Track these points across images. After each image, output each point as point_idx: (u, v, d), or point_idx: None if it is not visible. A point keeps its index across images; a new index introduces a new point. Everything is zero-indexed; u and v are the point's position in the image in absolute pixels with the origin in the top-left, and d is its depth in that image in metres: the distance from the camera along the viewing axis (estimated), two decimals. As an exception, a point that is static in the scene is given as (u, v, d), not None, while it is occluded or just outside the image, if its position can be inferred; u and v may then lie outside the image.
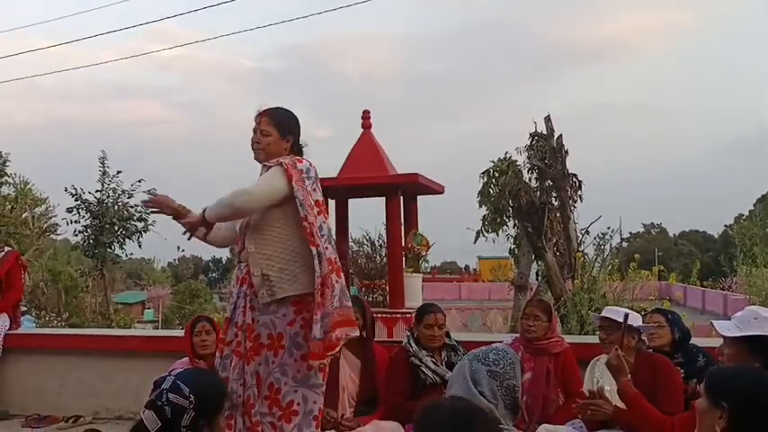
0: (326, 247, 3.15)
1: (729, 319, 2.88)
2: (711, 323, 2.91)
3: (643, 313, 4.47)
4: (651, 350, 3.82)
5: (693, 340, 4.20)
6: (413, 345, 4.22)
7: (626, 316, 3.51)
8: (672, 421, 2.98)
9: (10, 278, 6.08)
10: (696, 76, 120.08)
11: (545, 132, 10.17)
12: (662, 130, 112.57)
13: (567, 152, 9.96)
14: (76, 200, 13.98)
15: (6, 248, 6.45)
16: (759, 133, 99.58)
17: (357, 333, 3.24)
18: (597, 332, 3.90)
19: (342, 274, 3.23)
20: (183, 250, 33.02)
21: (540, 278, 10.40)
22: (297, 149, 3.42)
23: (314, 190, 3.25)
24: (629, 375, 3.28)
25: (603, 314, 3.73)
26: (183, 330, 4.90)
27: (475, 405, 2.01)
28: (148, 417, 2.25)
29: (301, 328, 3.18)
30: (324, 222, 3.23)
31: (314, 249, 3.12)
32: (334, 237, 3.35)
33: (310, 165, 3.34)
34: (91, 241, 14.22)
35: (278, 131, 3.38)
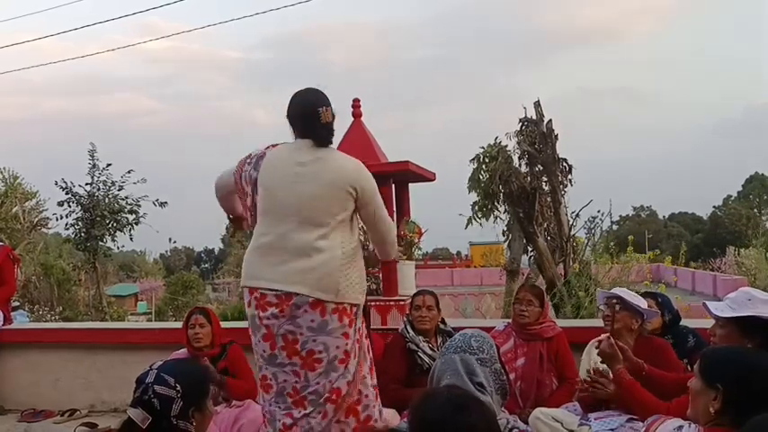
0: None
1: (721, 300, 2.91)
2: (704, 304, 2.93)
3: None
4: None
5: (684, 321, 4.24)
6: (409, 330, 4.25)
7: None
8: (668, 406, 3.01)
9: (2, 274, 6.06)
10: (682, 59, 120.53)
11: (535, 118, 10.17)
12: (649, 113, 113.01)
13: (556, 137, 9.95)
14: (67, 193, 13.88)
15: (-2, 243, 6.43)
16: (746, 114, 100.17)
17: None
18: (598, 314, 3.91)
19: None
20: (174, 242, 32.97)
21: (531, 263, 10.43)
22: (297, 129, 3.24)
23: None
24: (623, 363, 3.30)
25: (618, 293, 3.72)
26: (177, 322, 4.90)
27: (471, 393, 2.03)
28: (137, 414, 2.27)
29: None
30: None
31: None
32: None
33: (261, 150, 3.25)
34: (82, 234, 14.14)
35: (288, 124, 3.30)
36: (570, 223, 9.72)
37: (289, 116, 3.28)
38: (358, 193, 3.18)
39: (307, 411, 3.06)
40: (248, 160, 3.20)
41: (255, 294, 3.11)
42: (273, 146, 3.24)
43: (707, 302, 2.94)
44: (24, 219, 18.74)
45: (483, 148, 10.77)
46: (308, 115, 3.19)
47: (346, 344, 3.12)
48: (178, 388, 2.30)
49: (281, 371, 3.08)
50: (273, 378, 3.11)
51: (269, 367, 3.12)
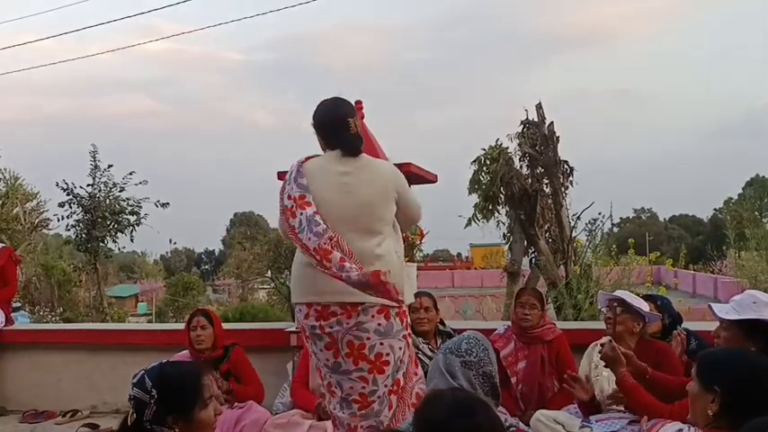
0: (308, 237, 2.95)
1: (724, 303, 2.91)
2: (709, 306, 2.93)
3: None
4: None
5: (686, 324, 4.23)
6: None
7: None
8: (671, 409, 3.01)
9: (4, 275, 6.07)
10: (681, 61, 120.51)
11: (536, 120, 10.17)
12: (649, 116, 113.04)
13: (558, 139, 9.96)
14: (68, 194, 13.88)
15: (0, 244, 6.44)
16: (746, 116, 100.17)
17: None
18: (599, 316, 3.91)
19: (330, 256, 2.91)
20: (174, 243, 32.92)
21: (532, 265, 10.42)
22: (327, 139, 3.23)
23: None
24: (626, 366, 3.31)
25: (620, 295, 3.72)
26: (178, 323, 4.91)
27: (476, 395, 2.04)
28: (130, 411, 2.30)
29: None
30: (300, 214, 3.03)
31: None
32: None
33: (295, 164, 3.16)
34: (83, 236, 14.13)
35: (316, 132, 3.28)
36: (571, 225, 9.71)
37: (317, 125, 3.27)
38: (399, 195, 3.25)
39: (375, 410, 3.07)
40: (287, 182, 3.13)
41: (315, 307, 3.06)
42: (303, 160, 3.18)
43: (712, 304, 2.94)
44: (25, 220, 18.71)
45: (484, 149, 10.77)
46: (339, 125, 3.19)
47: (406, 345, 3.16)
48: (153, 393, 2.27)
49: (346, 378, 3.07)
50: (338, 386, 3.10)
51: (333, 375, 3.10)
